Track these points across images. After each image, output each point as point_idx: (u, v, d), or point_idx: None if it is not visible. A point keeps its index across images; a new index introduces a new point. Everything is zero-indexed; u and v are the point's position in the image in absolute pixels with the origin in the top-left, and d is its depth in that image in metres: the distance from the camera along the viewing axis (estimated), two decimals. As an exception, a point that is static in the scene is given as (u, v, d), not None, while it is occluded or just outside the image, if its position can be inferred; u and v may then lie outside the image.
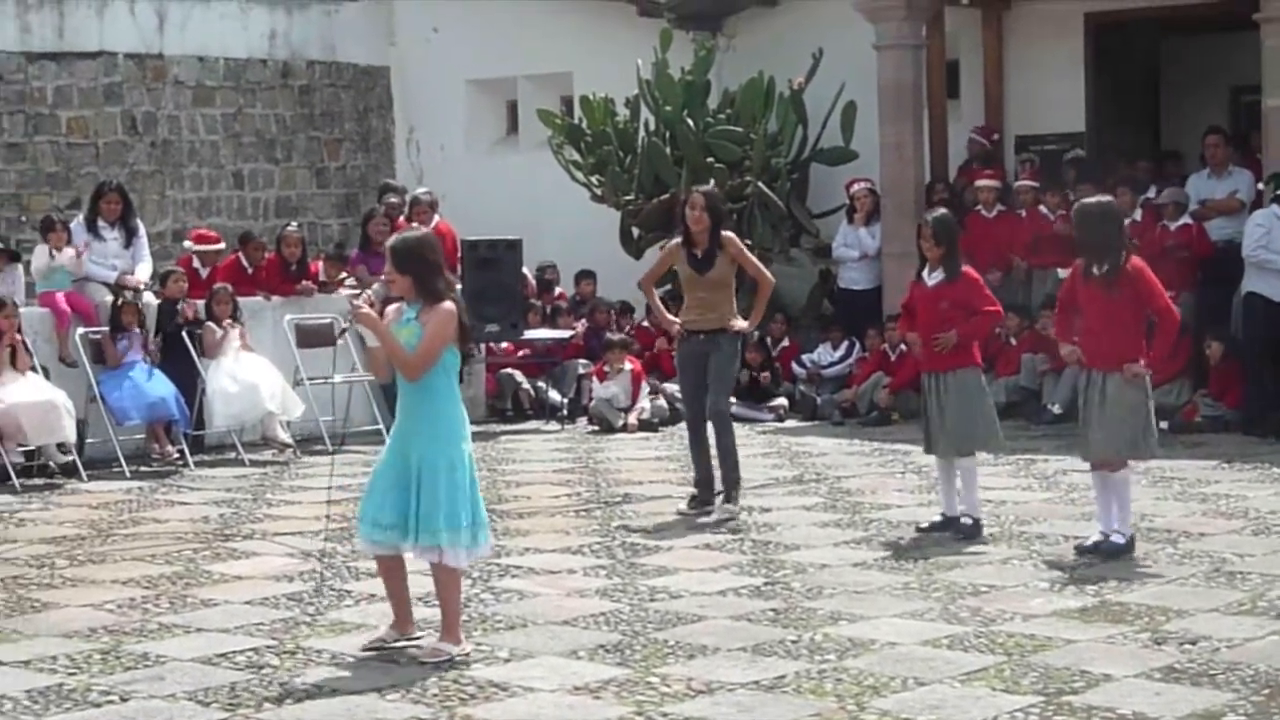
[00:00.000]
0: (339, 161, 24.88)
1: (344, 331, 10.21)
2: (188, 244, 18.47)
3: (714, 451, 13.06)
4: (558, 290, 21.12)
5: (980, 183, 19.49)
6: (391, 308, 9.11)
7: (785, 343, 19.87)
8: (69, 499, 14.39)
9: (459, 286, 18.23)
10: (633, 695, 8.01)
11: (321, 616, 9.78)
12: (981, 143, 20.48)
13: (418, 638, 8.94)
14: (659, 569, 10.97)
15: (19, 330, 15.36)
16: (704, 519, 12.75)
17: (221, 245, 18.27)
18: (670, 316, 13.48)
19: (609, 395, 18.58)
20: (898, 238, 18.82)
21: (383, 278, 9.27)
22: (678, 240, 13.22)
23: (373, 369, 9.46)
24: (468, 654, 8.71)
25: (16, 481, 14.76)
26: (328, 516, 11.53)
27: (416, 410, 8.85)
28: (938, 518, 12.17)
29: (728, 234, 13.10)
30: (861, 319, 19.56)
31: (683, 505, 13.11)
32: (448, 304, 8.78)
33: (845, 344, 19.59)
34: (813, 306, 20.78)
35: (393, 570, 9.00)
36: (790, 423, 18.74)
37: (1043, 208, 19.02)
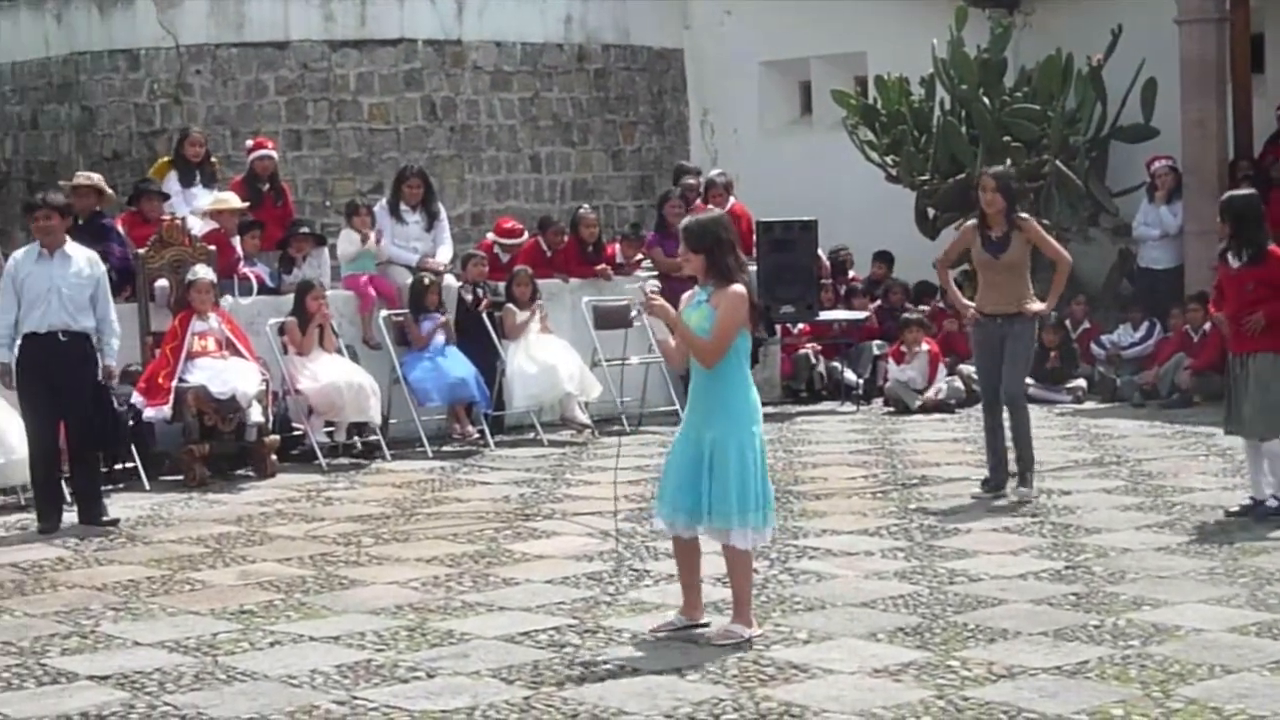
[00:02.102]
0: (634, 144, 25.05)
1: (635, 316, 10.17)
2: (491, 236, 18.72)
3: (1009, 434, 12.94)
4: (851, 272, 21.03)
5: (1287, 159, 19.04)
6: (651, 284, 9.12)
7: (1085, 324, 19.59)
8: (373, 478, 14.70)
9: (753, 268, 18.45)
10: (933, 679, 7.97)
11: (621, 596, 9.88)
12: (1288, 118, 19.97)
13: (705, 623, 8.97)
14: (957, 551, 10.89)
15: (326, 312, 15.72)
16: (999, 501, 12.64)
17: (523, 239, 18.47)
18: (965, 300, 13.36)
19: (906, 377, 18.48)
20: (1200, 216, 18.46)
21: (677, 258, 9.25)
22: (973, 222, 13.10)
23: (666, 358, 9.50)
24: (757, 637, 8.72)
25: (323, 461, 15.13)
26: (615, 499, 11.60)
27: (708, 394, 8.88)
28: (1247, 501, 11.92)
29: (1024, 216, 12.95)
30: (1163, 299, 19.21)
31: (977, 488, 13.00)
32: (738, 286, 8.78)
33: (1146, 324, 19.26)
34: (1111, 286, 20.46)
35: (687, 553, 9.05)
36: (1089, 404, 18.47)
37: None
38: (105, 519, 12.66)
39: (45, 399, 12.65)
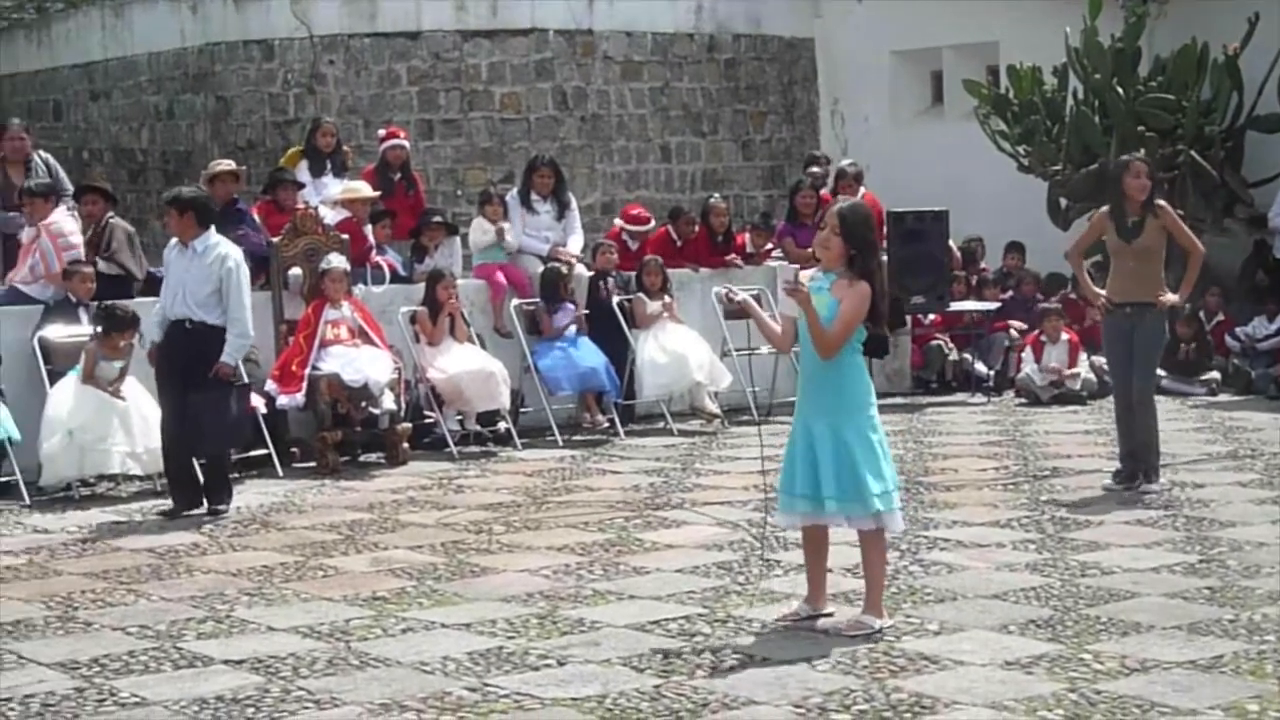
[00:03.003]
0: (764, 134, 25.03)
1: (729, 298, 9.83)
2: (619, 222, 18.77)
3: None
4: (983, 263, 20.90)
5: None
6: (805, 274, 9.08)
7: (1220, 317, 19.39)
8: (504, 466, 14.78)
9: (884, 257, 18.40)
10: (1065, 672, 7.92)
11: (752, 586, 9.88)
12: None
13: (829, 613, 8.95)
14: (1089, 544, 10.81)
15: (457, 301, 15.81)
16: (1129, 494, 12.54)
17: (650, 225, 18.50)
18: (1096, 289, 13.25)
19: (1044, 366, 18.34)
20: (1338, 207, 18.23)
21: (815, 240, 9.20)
22: (1105, 209, 13.00)
23: (770, 341, 9.47)
24: (888, 628, 8.70)
25: (454, 449, 15.23)
26: (760, 487, 11.58)
27: (821, 383, 8.85)
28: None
29: (1161, 203, 12.84)
30: (1300, 291, 19.00)
31: (1109, 480, 12.89)
32: (865, 286, 8.72)
33: (1281, 317, 19.05)
34: (1246, 278, 20.22)
35: (815, 543, 9.02)
36: (1223, 397, 18.28)
37: None
38: (218, 507, 12.77)
39: (173, 386, 12.83)
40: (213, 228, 12.93)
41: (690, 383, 16.58)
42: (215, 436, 12.85)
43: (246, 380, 13.52)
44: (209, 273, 12.69)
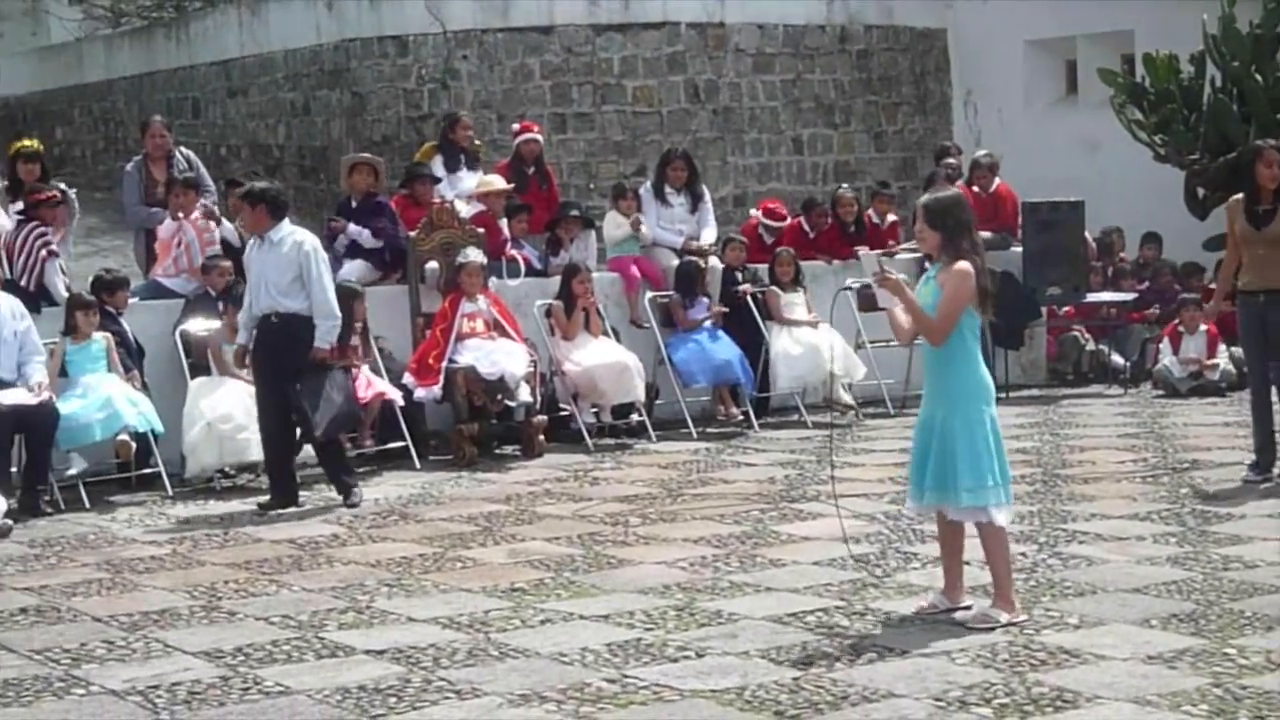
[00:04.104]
0: (896, 125, 24.95)
1: (847, 289, 9.72)
2: (755, 212, 18.77)
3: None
4: (1121, 254, 20.72)
5: None
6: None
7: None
8: (639, 459, 14.82)
9: (1018, 249, 18.29)
10: (1209, 666, 7.84)
11: (889, 579, 9.86)
12: None
13: (966, 606, 8.92)
14: (1231, 537, 10.69)
15: (592, 294, 15.88)
16: (1267, 485, 12.39)
17: (785, 222, 18.45)
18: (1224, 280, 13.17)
19: (1182, 357, 18.16)
20: None
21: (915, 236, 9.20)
22: (1238, 197, 12.87)
23: (895, 333, 9.46)
24: (1022, 622, 8.65)
25: (590, 442, 15.29)
26: (834, 494, 11.58)
27: (937, 374, 8.88)
28: None
29: (1297, 189, 12.69)
30: None
31: (1248, 472, 12.76)
32: (964, 264, 8.72)
33: None
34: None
35: (948, 535, 9.00)
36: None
37: None
38: (351, 500, 12.88)
39: (266, 381, 12.96)
40: (286, 219, 13.03)
41: (824, 375, 16.54)
42: (320, 426, 12.87)
43: (347, 364, 13.57)
44: (288, 260, 12.77)
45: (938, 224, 8.83)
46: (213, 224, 15.18)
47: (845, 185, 20.10)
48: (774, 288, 16.92)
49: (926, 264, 8.99)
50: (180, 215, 15.17)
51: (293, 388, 12.75)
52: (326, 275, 12.96)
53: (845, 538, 10.12)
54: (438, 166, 17.26)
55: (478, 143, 18.22)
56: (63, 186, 15.27)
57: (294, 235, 12.87)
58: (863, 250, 17.09)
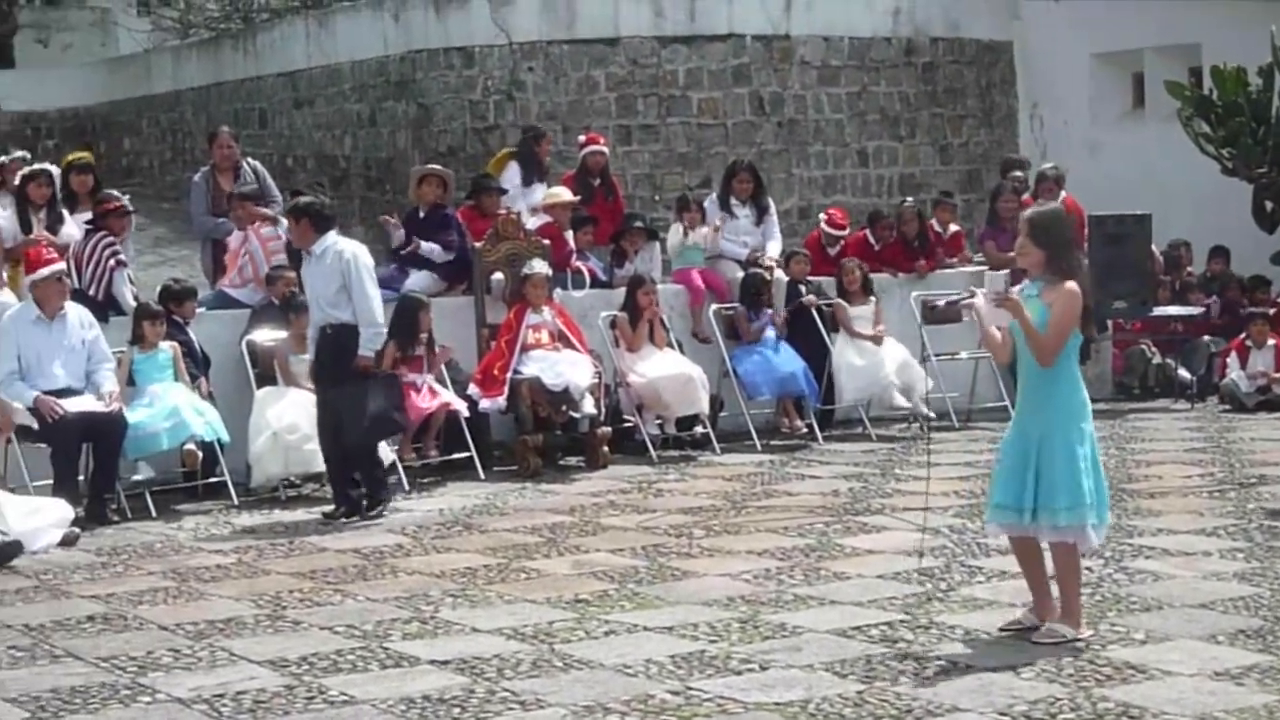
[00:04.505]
0: (961, 138, 24.89)
1: (956, 303, 9.74)
2: (821, 217, 18.77)
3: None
4: (1188, 268, 20.62)
5: None
6: (1015, 289, 9.05)
7: None
8: (703, 471, 14.81)
9: (1085, 262, 18.21)
10: (1276, 683, 7.77)
11: (953, 592, 9.82)
12: None
13: (1058, 621, 8.88)
14: (1299, 554, 10.64)
15: (656, 306, 15.88)
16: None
17: (846, 231, 18.42)
18: None
19: (1250, 371, 18.05)
20: None
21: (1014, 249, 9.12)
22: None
23: (992, 352, 9.40)
24: (1090, 638, 8.60)
25: (654, 453, 15.29)
26: (958, 493, 11.54)
27: (1036, 391, 8.78)
28: None
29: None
30: None
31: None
32: (1072, 285, 8.65)
33: None
34: None
35: (1026, 553, 8.92)
36: None
37: None
38: (371, 512, 12.87)
39: (322, 391, 13.08)
40: (332, 231, 13.08)
41: (889, 387, 16.50)
42: (354, 431, 12.89)
43: (393, 372, 13.50)
44: (332, 270, 12.85)
45: (1042, 240, 8.72)
46: (279, 234, 15.26)
47: (909, 199, 20.05)
48: (841, 300, 16.89)
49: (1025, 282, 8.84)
50: (245, 225, 15.27)
51: (337, 393, 12.83)
52: (369, 283, 12.98)
53: (923, 526, 10.03)
54: (512, 177, 17.30)
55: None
56: (115, 194, 15.37)
57: (335, 246, 12.94)
58: (987, 274, 17.00)
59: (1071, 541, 8.69)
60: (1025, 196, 18.54)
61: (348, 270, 12.81)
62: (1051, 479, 8.62)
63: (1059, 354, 8.66)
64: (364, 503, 12.94)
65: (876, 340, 16.68)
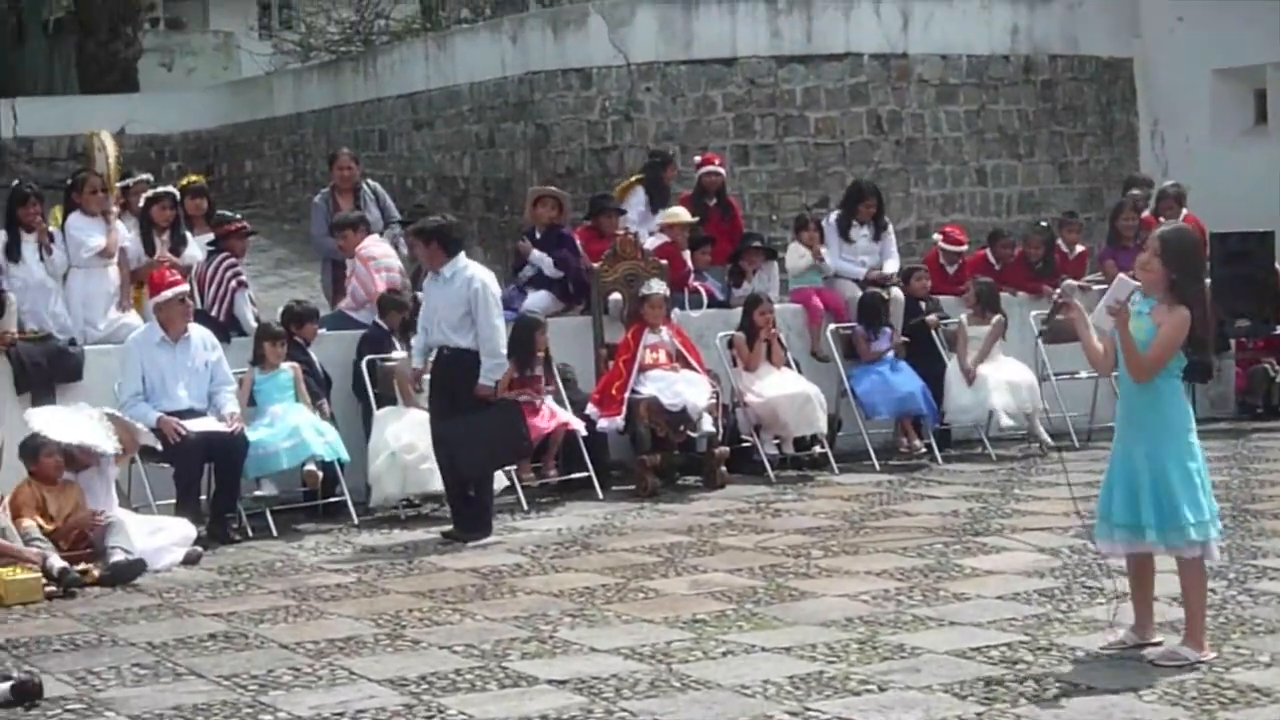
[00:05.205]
0: (1081, 156, 24.69)
1: (1062, 307, 9.60)
2: (936, 237, 18.70)
3: None
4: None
5: None
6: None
7: None
8: (821, 491, 14.77)
9: (1207, 280, 18.02)
10: (1404, 707, 7.70)
11: (1074, 614, 9.75)
12: None
13: (1157, 642, 8.78)
14: None
15: (774, 325, 15.87)
16: None
17: (965, 247, 18.33)
18: None
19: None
20: None
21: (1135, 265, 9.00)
22: None
23: (1091, 362, 9.30)
24: (1213, 660, 8.51)
25: (772, 473, 15.27)
26: (1078, 513, 11.40)
27: (1138, 408, 8.72)
28: None
29: None
30: None
31: None
32: (1184, 312, 8.56)
33: None
34: None
35: (1139, 571, 8.87)
36: None
37: None
38: (463, 536, 12.83)
39: (437, 412, 13.11)
40: (462, 254, 13.12)
41: (992, 412, 16.33)
42: (471, 462, 12.94)
43: (513, 399, 13.51)
44: (458, 296, 12.90)
45: (1170, 261, 8.61)
46: (390, 256, 15.36)
47: (1045, 221, 19.87)
48: (961, 319, 16.74)
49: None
50: (348, 253, 15.39)
51: (455, 422, 12.85)
52: (495, 313, 13.01)
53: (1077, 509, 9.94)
54: (638, 204, 17.32)
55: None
56: (232, 214, 15.52)
57: (466, 271, 12.99)
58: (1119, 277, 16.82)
59: (1200, 556, 8.60)
60: (1146, 214, 18.39)
61: (475, 298, 12.86)
62: (1171, 496, 8.54)
63: (1154, 375, 8.58)
64: (466, 528, 12.93)
65: (968, 376, 16.42)
